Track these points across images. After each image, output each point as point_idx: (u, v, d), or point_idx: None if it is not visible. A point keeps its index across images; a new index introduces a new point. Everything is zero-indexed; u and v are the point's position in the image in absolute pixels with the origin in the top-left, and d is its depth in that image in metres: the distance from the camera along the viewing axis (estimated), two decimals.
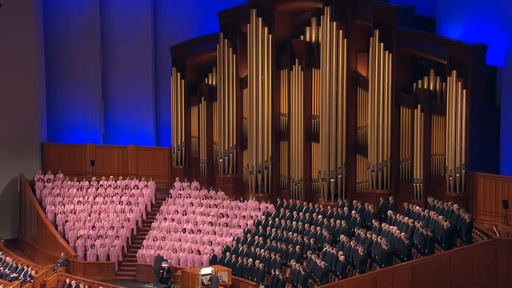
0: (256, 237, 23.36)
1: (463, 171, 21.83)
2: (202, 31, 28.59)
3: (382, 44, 23.26)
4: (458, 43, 22.10)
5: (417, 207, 21.25)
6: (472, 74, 21.68)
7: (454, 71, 21.83)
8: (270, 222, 24.01)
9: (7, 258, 25.02)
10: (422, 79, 23.25)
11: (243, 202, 25.59)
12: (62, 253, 24.94)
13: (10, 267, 24.44)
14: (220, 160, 26.80)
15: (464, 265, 18.80)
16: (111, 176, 27.96)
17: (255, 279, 21.94)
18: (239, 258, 22.74)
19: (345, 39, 23.97)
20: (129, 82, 29.98)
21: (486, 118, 22.35)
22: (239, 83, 26.60)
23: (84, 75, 30.02)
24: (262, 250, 22.55)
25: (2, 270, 24.21)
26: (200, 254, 23.84)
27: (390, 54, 23.23)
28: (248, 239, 23.50)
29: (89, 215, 26.41)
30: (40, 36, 29.42)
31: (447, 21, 23.97)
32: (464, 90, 21.73)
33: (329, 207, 23.50)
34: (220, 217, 25.16)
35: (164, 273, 23.38)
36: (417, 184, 22.92)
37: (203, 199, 26.28)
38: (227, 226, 24.68)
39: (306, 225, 22.91)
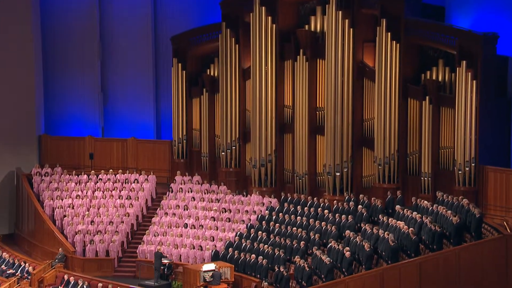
0: (260, 232, 23.30)
1: (473, 164, 21.75)
2: (203, 21, 28.49)
3: (389, 33, 23.17)
4: (468, 33, 21.98)
5: (425, 202, 21.19)
6: (482, 64, 21.56)
7: (464, 62, 21.72)
8: (273, 217, 23.96)
9: (3, 253, 25.01)
10: (430, 69, 23.17)
11: (246, 196, 25.53)
12: (60, 249, 24.90)
13: (7, 263, 24.44)
14: (223, 153, 26.73)
15: (473, 261, 18.73)
16: (111, 170, 27.92)
17: (258, 275, 21.87)
18: (242, 254, 22.69)
19: (351, 29, 23.85)
20: (128, 73, 29.91)
21: (497, 110, 22.26)
22: (242, 74, 26.51)
23: (83, 66, 29.96)
24: (266, 246, 22.49)
25: None
26: (202, 250, 23.80)
27: (398, 44, 23.14)
28: (251, 235, 23.44)
29: (88, 210, 26.37)
30: (37, 27, 29.34)
31: (457, 10, 23.83)
32: (474, 81, 21.63)
33: (334, 201, 23.44)
34: (223, 212, 25.12)
35: (165, 270, 23.34)
36: (425, 178, 22.85)
37: (205, 193, 26.23)
38: (229, 221, 24.63)
39: (311, 220, 22.85)
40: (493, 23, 22.65)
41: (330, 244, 21.09)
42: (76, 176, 27.71)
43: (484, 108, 21.77)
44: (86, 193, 27.01)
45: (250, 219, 24.38)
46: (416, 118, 23.28)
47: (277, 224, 23.41)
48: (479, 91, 21.61)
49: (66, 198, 26.85)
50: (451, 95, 22.52)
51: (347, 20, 23.82)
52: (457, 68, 21.95)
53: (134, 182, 27.35)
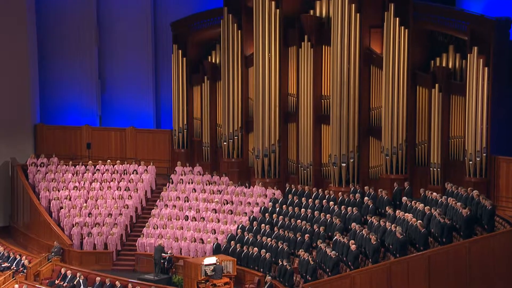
0: (263, 225, 23.28)
1: (484, 154, 21.69)
2: (205, 6, 28.40)
3: (397, 19, 23.07)
4: (479, 17, 21.87)
5: (434, 194, 21.10)
6: (494, 50, 21.47)
7: (475, 48, 21.62)
8: (277, 209, 23.92)
9: None
10: (440, 56, 23.09)
11: (249, 188, 25.49)
12: (55, 242, 24.85)
13: (2, 256, 24.46)
14: (224, 143, 26.68)
15: (484, 254, 18.65)
16: (109, 160, 27.89)
17: (262, 269, 21.87)
18: (245, 247, 22.68)
19: (358, 14, 23.72)
20: (127, 60, 29.85)
21: (510, 98, 22.21)
22: (244, 61, 26.41)
23: (80, 53, 29.88)
24: (269, 239, 22.47)
25: None
26: (203, 243, 23.79)
27: (406, 30, 23.04)
28: (254, 227, 23.42)
29: (86, 202, 26.36)
30: (32, 12, 29.24)
31: None
32: (486, 68, 21.53)
33: (340, 193, 23.38)
34: (224, 204, 25.08)
35: (165, 263, 23.34)
36: (435, 169, 22.79)
37: (206, 184, 26.19)
38: (231, 213, 24.60)
39: (315, 212, 22.80)
40: (506, 7, 22.52)
41: (335, 237, 21.03)
42: (73, 167, 27.69)
43: (496, 96, 21.67)
44: (84, 184, 26.99)
45: (252, 212, 24.35)
46: (425, 107, 23.19)
47: (280, 217, 23.37)
48: (491, 78, 21.51)
49: (62, 189, 26.83)
50: (461, 83, 22.42)
51: (353, 5, 23.67)
52: (468, 55, 21.83)
53: (133, 173, 27.31)
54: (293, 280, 20.82)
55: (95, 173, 27.46)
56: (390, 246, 19.79)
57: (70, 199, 26.42)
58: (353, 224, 21.21)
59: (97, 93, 30.05)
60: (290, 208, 23.62)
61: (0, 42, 28.54)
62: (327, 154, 24.78)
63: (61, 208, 26.22)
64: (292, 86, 25.71)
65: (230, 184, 25.92)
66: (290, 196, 24.25)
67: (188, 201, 25.67)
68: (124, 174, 27.42)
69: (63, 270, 22.71)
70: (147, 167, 27.48)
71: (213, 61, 27.64)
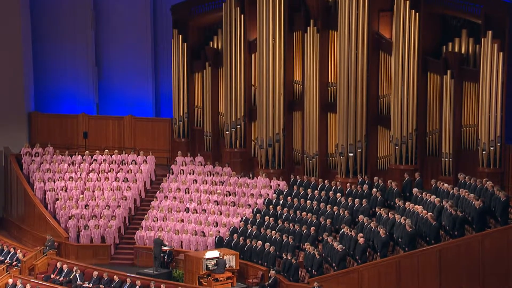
0: (267, 217, 23.28)
1: (498, 144, 21.68)
2: None
3: (408, 2, 23.01)
4: (494, 0, 21.75)
5: (446, 185, 21.11)
6: (510, 34, 21.44)
7: (490, 32, 21.55)
8: (281, 201, 23.92)
9: None
10: (452, 41, 23.04)
11: (252, 179, 25.49)
12: (47, 236, 24.76)
13: None
14: (227, 132, 26.66)
15: (497, 248, 18.62)
16: (106, 150, 27.90)
17: (265, 263, 21.90)
18: (248, 240, 22.70)
19: None
20: (125, 45, 29.80)
21: None
22: (247, 46, 26.35)
23: (75, 37, 29.83)
24: (273, 232, 22.48)
25: None
26: (204, 236, 23.80)
27: (417, 14, 22.96)
28: (258, 220, 23.43)
29: (82, 193, 26.38)
30: None
31: None
32: (501, 53, 21.49)
33: (347, 184, 23.37)
34: (227, 196, 25.09)
35: (165, 257, 23.37)
36: (446, 159, 22.77)
37: (207, 175, 26.20)
38: (234, 205, 24.61)
39: (321, 204, 22.79)
40: None
41: (342, 230, 21.06)
42: (69, 157, 27.69)
43: (511, 82, 21.56)
44: (80, 175, 27.00)
45: (256, 203, 24.35)
46: (436, 94, 23.15)
47: (285, 209, 23.37)
48: (506, 64, 21.47)
49: (58, 180, 26.84)
50: (475, 69, 22.37)
51: None
52: (482, 39, 21.76)
53: (131, 163, 27.31)
54: (298, 274, 20.84)
55: (92, 163, 27.46)
56: (399, 240, 19.79)
57: (66, 191, 26.44)
58: (361, 216, 21.21)
59: (94, 80, 30.01)
60: (295, 200, 23.61)
61: None
62: (334, 143, 24.76)
63: (57, 199, 26.24)
64: (297, 72, 25.65)
65: (232, 175, 25.91)
66: (295, 187, 24.24)
67: (189, 193, 25.68)
68: (122, 165, 27.43)
69: (59, 264, 22.73)
70: (146, 157, 27.48)
71: (215, 46, 27.58)
